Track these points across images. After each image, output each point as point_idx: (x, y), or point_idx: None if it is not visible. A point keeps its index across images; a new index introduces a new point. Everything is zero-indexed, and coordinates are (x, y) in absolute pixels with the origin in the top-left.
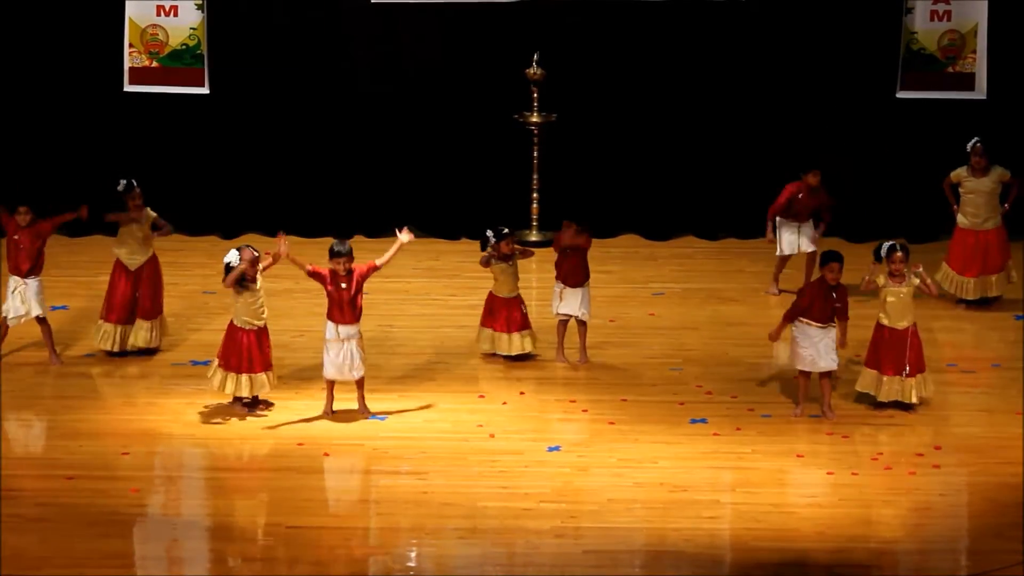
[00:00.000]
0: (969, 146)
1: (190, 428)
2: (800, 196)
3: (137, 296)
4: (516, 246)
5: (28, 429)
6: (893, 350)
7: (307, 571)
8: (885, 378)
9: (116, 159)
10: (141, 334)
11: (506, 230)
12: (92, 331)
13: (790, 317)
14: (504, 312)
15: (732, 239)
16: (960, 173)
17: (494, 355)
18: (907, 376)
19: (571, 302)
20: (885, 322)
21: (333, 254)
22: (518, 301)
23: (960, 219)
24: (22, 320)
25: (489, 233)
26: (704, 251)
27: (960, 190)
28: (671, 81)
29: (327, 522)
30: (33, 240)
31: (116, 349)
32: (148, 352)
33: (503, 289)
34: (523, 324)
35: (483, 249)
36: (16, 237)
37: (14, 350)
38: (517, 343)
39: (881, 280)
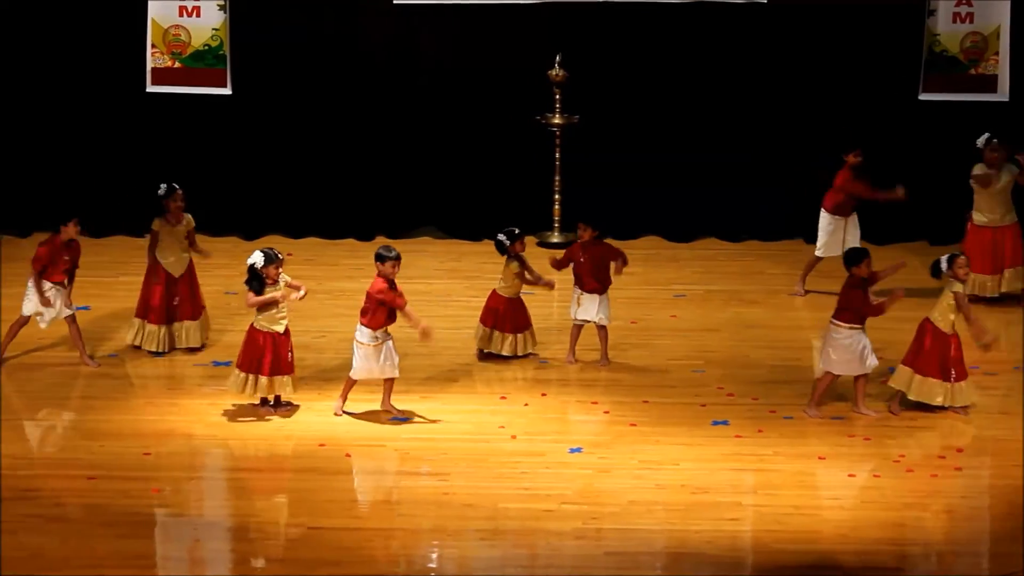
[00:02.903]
0: (982, 141)
1: (212, 428)
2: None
3: (178, 300)
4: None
5: (49, 429)
6: (936, 353)
7: (328, 572)
8: (918, 378)
9: (138, 160)
10: (192, 334)
11: (518, 230)
12: (123, 330)
13: (872, 311)
14: (510, 312)
15: (754, 241)
16: (980, 169)
17: (490, 355)
18: (954, 381)
19: (589, 308)
20: (942, 326)
21: (387, 259)
22: (520, 301)
23: (976, 216)
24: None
25: (501, 236)
26: (726, 253)
27: (972, 182)
28: (693, 83)
29: (349, 523)
30: (68, 251)
31: (163, 349)
32: (194, 349)
33: (512, 289)
34: (526, 324)
35: (501, 253)
36: (66, 257)
37: (32, 350)
38: (520, 343)
39: (958, 287)
